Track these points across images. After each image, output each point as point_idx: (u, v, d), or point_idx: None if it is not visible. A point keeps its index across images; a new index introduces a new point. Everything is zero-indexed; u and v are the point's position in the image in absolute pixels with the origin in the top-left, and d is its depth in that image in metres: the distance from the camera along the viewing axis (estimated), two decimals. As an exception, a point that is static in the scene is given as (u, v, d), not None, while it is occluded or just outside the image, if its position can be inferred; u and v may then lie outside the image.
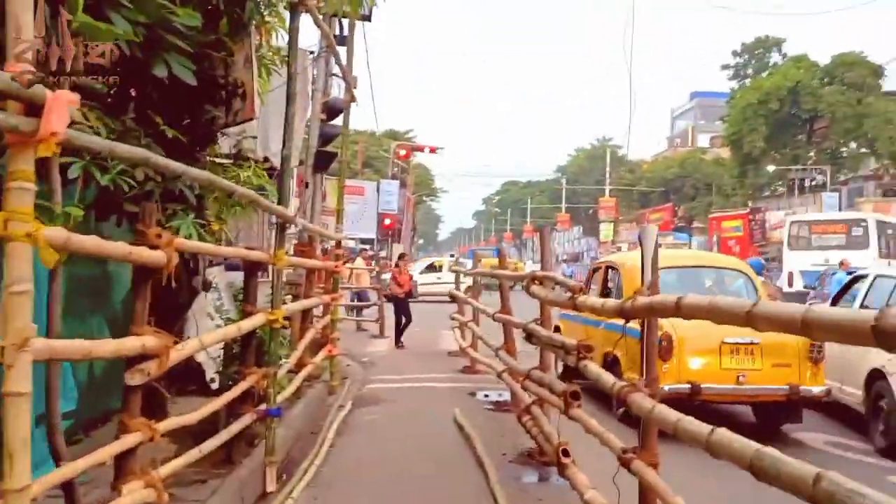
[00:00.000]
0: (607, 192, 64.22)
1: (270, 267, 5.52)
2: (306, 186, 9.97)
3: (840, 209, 44.75)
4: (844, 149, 48.16)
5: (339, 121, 10.24)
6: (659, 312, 2.97)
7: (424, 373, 10.76)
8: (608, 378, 3.66)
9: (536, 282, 5.87)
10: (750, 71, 55.55)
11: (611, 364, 7.49)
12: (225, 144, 6.75)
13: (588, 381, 4.45)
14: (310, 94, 10.00)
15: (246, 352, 5.42)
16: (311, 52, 10.38)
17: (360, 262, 19.29)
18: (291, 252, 13.52)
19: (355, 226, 43.95)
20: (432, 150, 44.48)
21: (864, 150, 47.11)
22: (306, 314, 8.20)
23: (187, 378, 7.98)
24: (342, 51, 10.20)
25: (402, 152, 46.89)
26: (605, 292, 8.63)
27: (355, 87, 11.18)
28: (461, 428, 6.98)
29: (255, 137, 6.61)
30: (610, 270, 8.66)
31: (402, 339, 14.13)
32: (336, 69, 10.73)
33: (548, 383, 4.97)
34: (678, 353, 6.63)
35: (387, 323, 15.86)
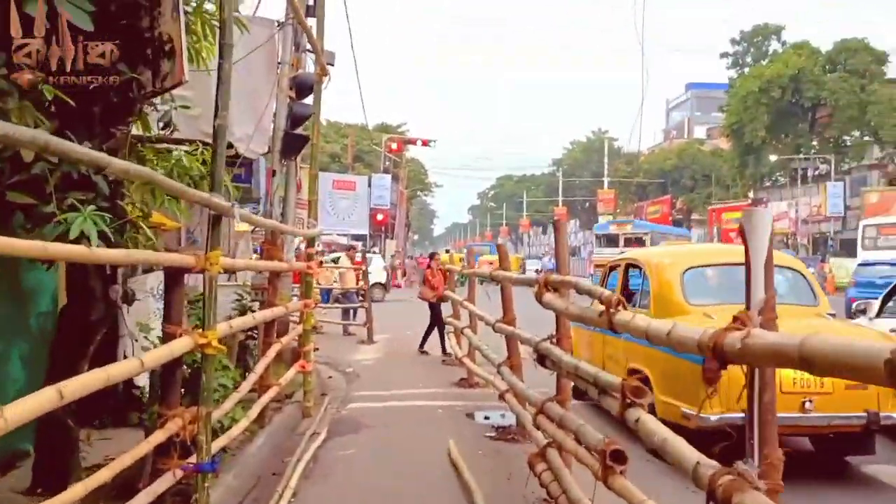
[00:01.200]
0: (606, 184, 62.88)
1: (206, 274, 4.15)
2: (273, 174, 8.62)
3: (844, 199, 43.63)
4: (848, 137, 47.04)
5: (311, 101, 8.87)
6: (810, 364, 1.58)
7: (414, 386, 9.42)
8: (685, 451, 2.32)
9: (550, 288, 4.54)
10: (749, 59, 54.34)
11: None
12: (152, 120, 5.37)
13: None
14: (276, 69, 8.63)
15: (167, 387, 4.08)
16: (279, 23, 9.00)
17: (344, 259, 17.84)
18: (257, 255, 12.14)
19: (346, 221, 42.63)
20: (424, 143, 43.07)
21: (867, 138, 46.00)
22: (270, 326, 6.84)
23: (128, 407, 6.65)
24: (312, 23, 8.85)
25: (394, 146, 45.46)
26: (623, 296, 7.31)
27: (331, 64, 9.83)
28: (457, 467, 5.65)
29: (185, 108, 5.24)
30: (631, 269, 7.32)
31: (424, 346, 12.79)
32: (310, 45, 9.37)
33: (574, 429, 3.64)
34: (728, 374, 5.28)
35: (375, 326, 14.56)
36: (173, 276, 4.04)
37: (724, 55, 55.68)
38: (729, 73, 55.10)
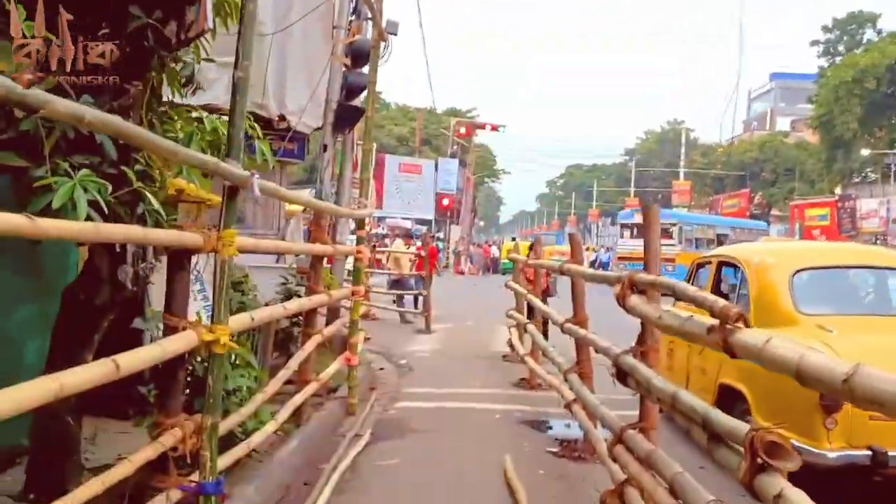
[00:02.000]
0: (682, 175, 60.55)
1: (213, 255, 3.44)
2: (324, 150, 7.93)
3: (942, 198, 40.63)
4: (947, 132, 43.77)
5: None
6: None
7: (471, 385, 8.66)
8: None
9: (634, 289, 3.68)
10: (841, 48, 51.11)
11: (725, 401, 5.26)
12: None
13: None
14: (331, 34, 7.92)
15: (166, 391, 3.39)
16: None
17: (399, 243, 17.14)
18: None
19: (411, 205, 42.12)
20: (493, 128, 42.14)
21: (969, 133, 42.70)
22: (311, 315, 6.17)
23: (145, 401, 6.09)
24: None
25: (462, 130, 44.62)
26: (715, 297, 6.32)
27: (393, 34, 9.07)
28: (513, 491, 4.85)
29: (210, 61, 4.53)
30: (724, 268, 6.32)
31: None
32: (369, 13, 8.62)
33: (669, 478, 2.77)
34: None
35: (433, 314, 13.85)
36: (177, 259, 3.36)
37: (814, 43, 52.63)
38: (819, 61, 52.08)
